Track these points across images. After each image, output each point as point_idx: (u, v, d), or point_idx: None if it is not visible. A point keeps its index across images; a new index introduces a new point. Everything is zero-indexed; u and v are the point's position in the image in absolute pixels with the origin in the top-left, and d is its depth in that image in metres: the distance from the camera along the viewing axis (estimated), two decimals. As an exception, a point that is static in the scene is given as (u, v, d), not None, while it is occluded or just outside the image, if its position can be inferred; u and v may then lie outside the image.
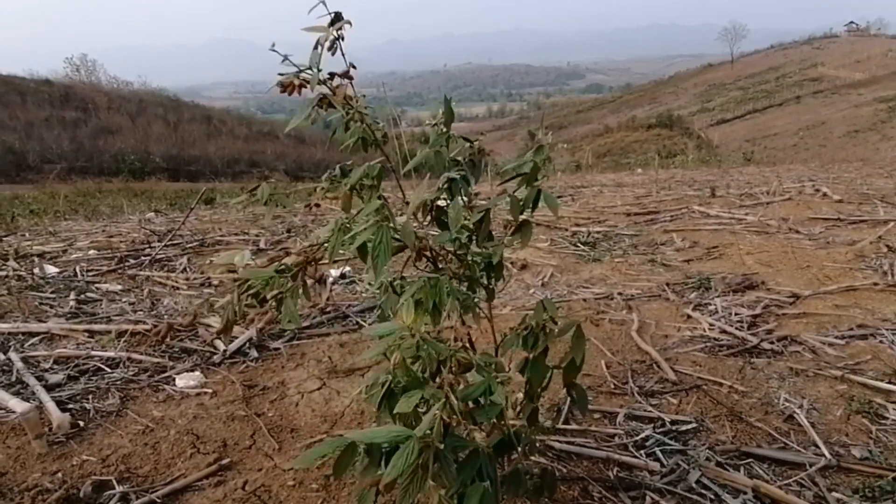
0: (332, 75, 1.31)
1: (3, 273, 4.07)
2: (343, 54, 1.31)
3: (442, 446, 0.95)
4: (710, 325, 2.90)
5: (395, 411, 1.07)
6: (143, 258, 4.62)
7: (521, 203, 1.40)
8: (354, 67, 1.35)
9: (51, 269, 4.23)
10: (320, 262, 1.26)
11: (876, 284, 3.35)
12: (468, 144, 1.50)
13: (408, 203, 1.36)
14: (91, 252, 4.91)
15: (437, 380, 1.08)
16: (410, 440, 0.93)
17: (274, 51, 1.26)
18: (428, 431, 0.94)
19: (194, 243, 5.19)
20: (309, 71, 1.25)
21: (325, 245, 1.24)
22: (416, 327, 1.10)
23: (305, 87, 1.26)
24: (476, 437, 1.04)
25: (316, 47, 1.25)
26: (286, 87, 1.25)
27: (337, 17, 1.27)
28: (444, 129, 1.44)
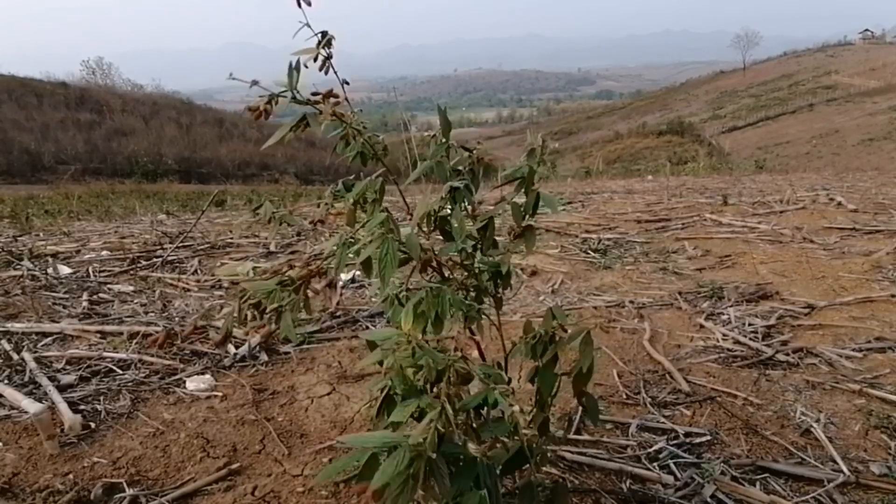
0: (314, 94, 1.30)
1: (18, 272, 4.11)
2: (336, 72, 1.30)
3: (434, 456, 0.93)
4: (724, 335, 2.87)
5: (390, 420, 1.05)
6: (154, 259, 4.65)
7: (522, 208, 1.39)
8: (347, 83, 1.34)
9: (64, 270, 4.26)
10: (325, 275, 1.26)
11: (894, 296, 3.30)
12: (467, 154, 1.48)
13: (410, 214, 1.35)
14: (104, 253, 4.95)
15: (435, 390, 1.07)
16: (402, 448, 0.92)
17: (235, 79, 1.25)
18: (421, 440, 0.93)
19: (205, 245, 5.22)
20: (284, 94, 1.23)
21: (330, 258, 1.24)
22: (413, 334, 1.09)
23: (271, 112, 1.25)
24: (471, 447, 1.02)
25: (291, 73, 1.23)
26: (254, 111, 1.25)
27: (324, 36, 1.27)
28: (443, 140, 1.43)
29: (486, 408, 1.11)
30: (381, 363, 1.10)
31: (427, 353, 1.06)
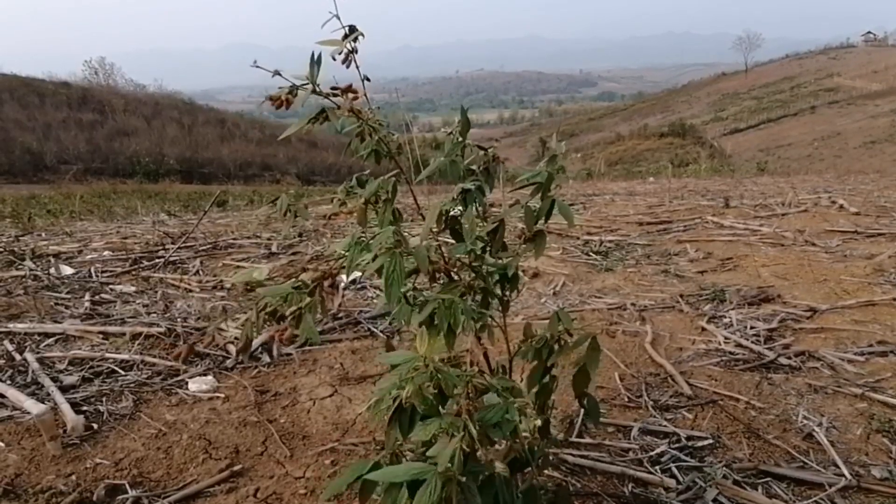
0: (334, 89, 1.30)
1: (20, 273, 4.12)
2: (357, 67, 1.30)
3: (464, 479, 0.94)
4: (726, 338, 2.87)
5: (413, 438, 1.06)
6: (156, 260, 4.65)
7: (535, 213, 1.39)
8: (368, 80, 1.34)
9: (66, 270, 4.27)
10: (336, 276, 1.26)
11: None
12: (483, 153, 1.48)
13: (422, 215, 1.35)
14: (106, 253, 4.96)
15: (455, 406, 1.07)
16: (433, 478, 0.93)
17: (258, 67, 1.25)
18: (448, 465, 0.94)
19: (207, 246, 5.23)
20: (305, 86, 1.23)
21: (342, 260, 1.24)
22: (429, 357, 1.09)
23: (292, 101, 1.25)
24: (497, 465, 1.03)
25: (313, 64, 1.23)
26: (275, 101, 1.25)
27: (351, 30, 1.27)
28: (460, 139, 1.43)
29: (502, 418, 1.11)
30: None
31: (445, 375, 1.06)
